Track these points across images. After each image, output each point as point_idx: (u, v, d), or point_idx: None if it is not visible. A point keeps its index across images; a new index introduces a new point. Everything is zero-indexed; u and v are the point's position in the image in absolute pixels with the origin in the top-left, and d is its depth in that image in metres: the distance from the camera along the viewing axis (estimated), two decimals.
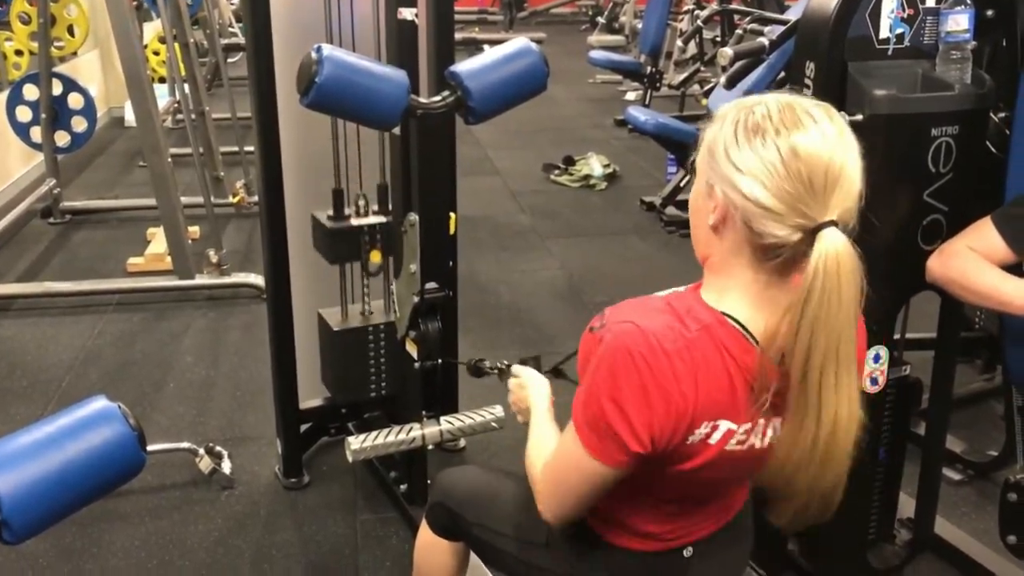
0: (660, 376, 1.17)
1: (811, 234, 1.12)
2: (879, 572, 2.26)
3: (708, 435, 1.21)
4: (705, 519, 1.40)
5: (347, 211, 2.48)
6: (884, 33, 1.87)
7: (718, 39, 6.32)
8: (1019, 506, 2.07)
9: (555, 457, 1.32)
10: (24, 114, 4.67)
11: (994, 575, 2.24)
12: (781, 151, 1.12)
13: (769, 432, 1.26)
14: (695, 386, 1.18)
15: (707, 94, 6.38)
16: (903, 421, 2.17)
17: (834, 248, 1.10)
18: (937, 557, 2.35)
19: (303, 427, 2.72)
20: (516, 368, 1.64)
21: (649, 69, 6.14)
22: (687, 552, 1.40)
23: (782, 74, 3.48)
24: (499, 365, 1.80)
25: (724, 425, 1.22)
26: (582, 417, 1.23)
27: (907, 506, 2.33)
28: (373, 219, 2.47)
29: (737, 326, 1.21)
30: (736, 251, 1.20)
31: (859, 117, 1.81)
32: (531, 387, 1.56)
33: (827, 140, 1.13)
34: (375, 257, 2.48)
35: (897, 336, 2.08)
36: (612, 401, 1.18)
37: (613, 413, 1.19)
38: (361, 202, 2.48)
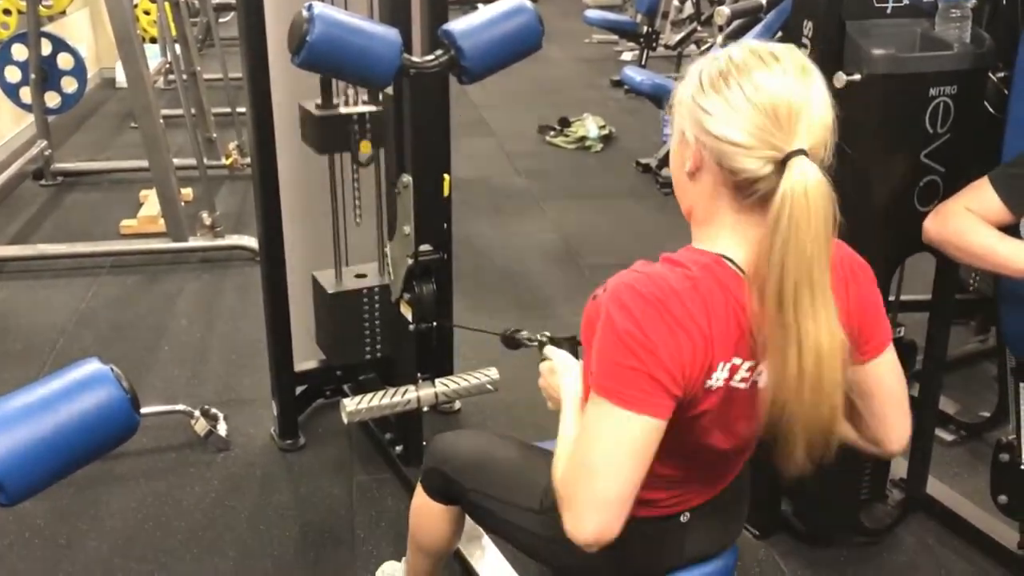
0: (678, 313, 1.15)
1: (782, 165, 1.13)
2: (871, 531, 2.28)
3: (728, 379, 1.20)
4: (705, 487, 1.40)
5: (336, 100, 2.42)
6: None
7: None
8: (1010, 466, 2.08)
9: (580, 444, 1.18)
10: (13, 74, 4.62)
11: (985, 534, 2.26)
12: (744, 88, 1.15)
13: (763, 374, 1.24)
14: (709, 323, 1.16)
15: (704, 54, 6.33)
16: None
17: (802, 175, 1.11)
18: (929, 517, 2.37)
19: (298, 389, 2.73)
20: (548, 350, 1.49)
21: (645, 29, 6.09)
22: (684, 517, 1.40)
23: (779, 33, 3.45)
24: (538, 338, 1.61)
25: (733, 361, 1.20)
26: (605, 376, 1.15)
27: (900, 466, 2.35)
28: (363, 108, 2.41)
29: (732, 266, 1.21)
30: (714, 194, 1.21)
31: (857, 77, 1.80)
32: (563, 372, 1.40)
33: (788, 74, 1.15)
34: (365, 147, 2.40)
35: (892, 298, 2.08)
36: (640, 344, 1.13)
37: (644, 353, 1.12)
38: (350, 91, 2.41)
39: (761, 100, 1.13)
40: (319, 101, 2.39)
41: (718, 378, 1.20)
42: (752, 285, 1.19)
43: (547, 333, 1.59)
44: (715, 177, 1.20)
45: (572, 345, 1.49)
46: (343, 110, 2.39)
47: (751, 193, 1.17)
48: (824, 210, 1.13)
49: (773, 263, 1.13)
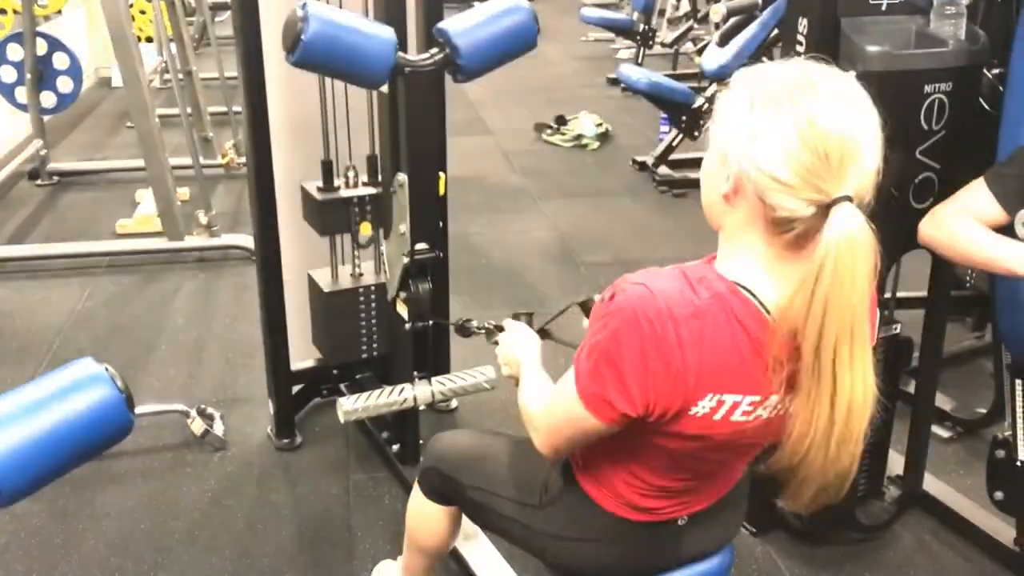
0: (663, 341, 1.14)
1: (825, 209, 1.09)
2: (868, 528, 2.28)
3: (714, 409, 1.19)
4: (705, 496, 1.40)
5: (336, 182, 2.47)
6: None
7: None
8: (1007, 462, 2.08)
9: (553, 399, 1.32)
10: (9, 74, 4.61)
11: (981, 531, 2.26)
12: (797, 122, 1.09)
13: (779, 407, 1.23)
14: (699, 354, 1.15)
15: (700, 52, 6.34)
16: (893, 379, 2.17)
17: (848, 226, 1.07)
18: (925, 513, 2.37)
19: (295, 388, 2.72)
20: (507, 322, 1.65)
21: (642, 27, 6.08)
22: (682, 521, 1.41)
23: (775, 31, 3.45)
24: (487, 325, 1.80)
25: (730, 399, 1.19)
26: (583, 368, 1.22)
27: (896, 463, 2.35)
28: (363, 190, 2.46)
29: (750, 296, 1.17)
30: (749, 223, 1.17)
31: (852, 73, 1.79)
32: (521, 341, 1.56)
33: (845, 112, 1.10)
34: (365, 229, 2.47)
35: (888, 295, 2.08)
36: (611, 362, 1.17)
37: (611, 373, 1.17)
38: (351, 173, 2.47)
39: (813, 137, 1.08)
40: (320, 184, 2.44)
41: (704, 406, 1.19)
42: (779, 324, 1.15)
43: (492, 321, 1.76)
44: (753, 207, 1.15)
45: (529, 319, 1.68)
46: (343, 193, 2.44)
47: (788, 230, 1.14)
48: (869, 262, 1.09)
49: (813, 315, 1.09)
